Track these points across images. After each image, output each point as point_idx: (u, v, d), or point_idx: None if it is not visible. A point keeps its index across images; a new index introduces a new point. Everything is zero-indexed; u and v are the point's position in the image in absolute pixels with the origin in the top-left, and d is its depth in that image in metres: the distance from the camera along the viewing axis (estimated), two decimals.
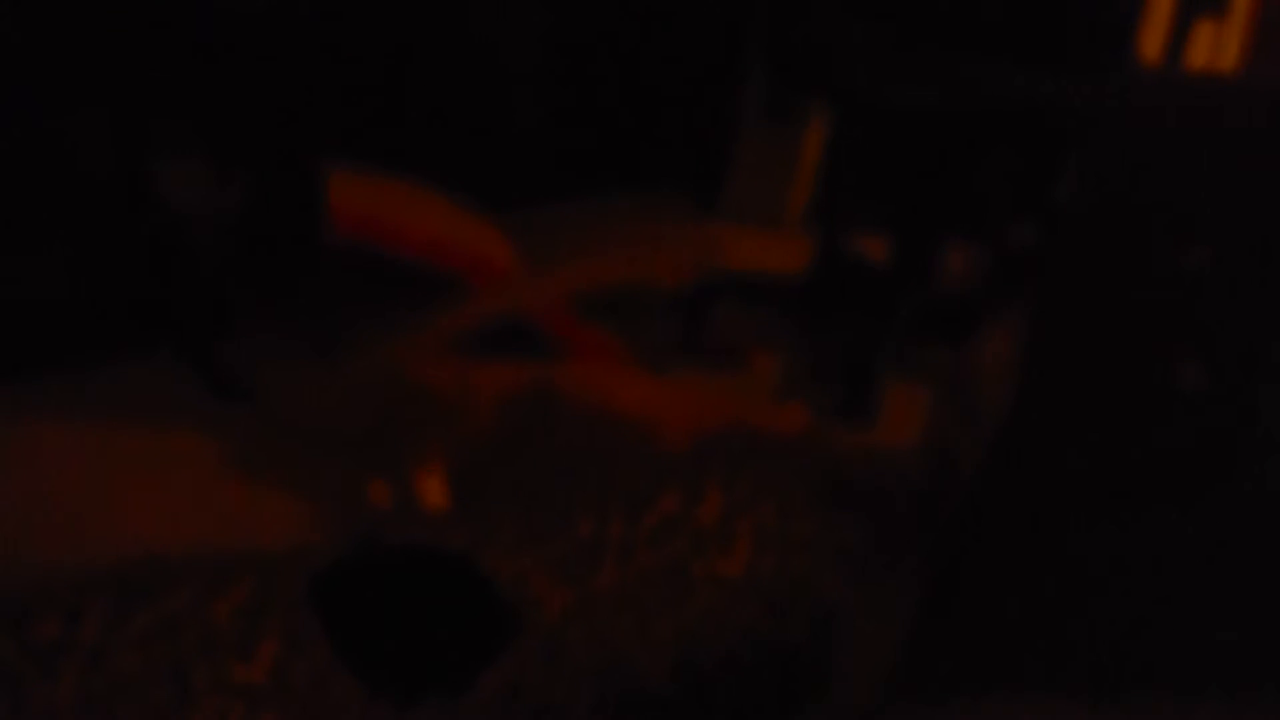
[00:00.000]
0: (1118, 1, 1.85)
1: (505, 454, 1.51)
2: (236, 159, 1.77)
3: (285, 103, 1.76)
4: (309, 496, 1.42)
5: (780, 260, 2.02)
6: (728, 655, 1.19)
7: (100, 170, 1.68)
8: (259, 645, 1.06)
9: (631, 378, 1.60)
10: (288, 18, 1.75)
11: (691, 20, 1.98)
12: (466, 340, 1.62)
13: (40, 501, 1.27)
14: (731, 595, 1.21)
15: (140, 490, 1.35)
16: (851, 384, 1.73)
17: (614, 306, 1.70)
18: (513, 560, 1.15)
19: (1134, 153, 1.08)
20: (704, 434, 1.52)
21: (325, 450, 1.50)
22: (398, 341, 1.61)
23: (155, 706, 1.02)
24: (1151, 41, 1.81)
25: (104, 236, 1.66)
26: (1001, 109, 1.71)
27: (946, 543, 1.23)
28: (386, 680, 1.07)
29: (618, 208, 1.80)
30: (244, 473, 1.43)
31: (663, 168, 1.99)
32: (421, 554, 1.14)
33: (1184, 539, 1.00)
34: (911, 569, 1.25)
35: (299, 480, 1.44)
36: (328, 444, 1.51)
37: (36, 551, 1.15)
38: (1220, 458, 1.03)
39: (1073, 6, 1.84)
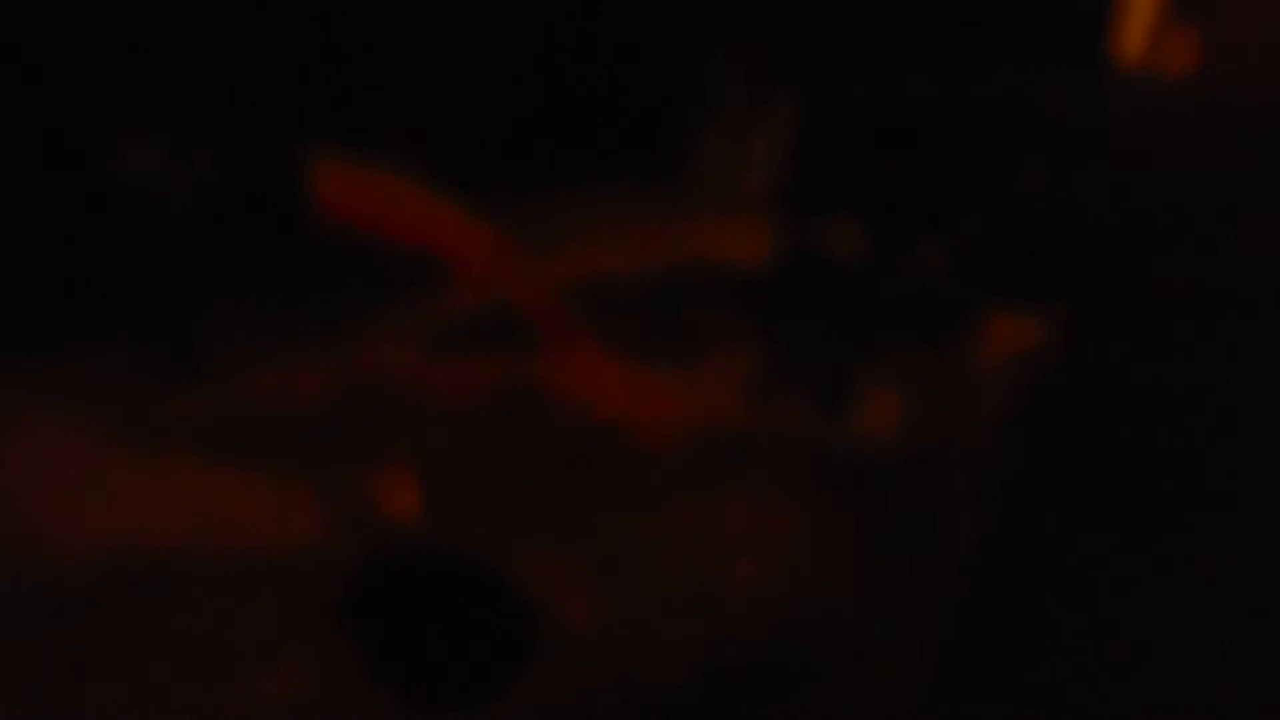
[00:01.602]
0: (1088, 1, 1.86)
1: (492, 452, 1.47)
2: (205, 135, 1.71)
3: (261, 83, 1.70)
4: (295, 495, 1.38)
5: (749, 251, 2.00)
6: (748, 661, 1.17)
7: (61, 146, 1.61)
8: (284, 656, 1.02)
9: (614, 371, 1.57)
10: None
11: (660, 6, 1.95)
12: (450, 332, 1.58)
13: (31, 498, 1.21)
14: (750, 599, 1.20)
15: (127, 489, 1.29)
16: (827, 378, 1.72)
17: (586, 298, 1.67)
18: (535, 567, 1.12)
19: (1161, 164, 1.08)
20: (689, 430, 1.50)
21: (298, 446, 1.46)
22: (375, 332, 1.57)
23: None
24: (1131, 42, 1.82)
25: (66, 215, 1.59)
26: (977, 104, 1.71)
27: (975, 549, 1.22)
28: (415, 691, 1.04)
29: (602, 198, 1.77)
30: (226, 469, 1.38)
31: (627, 156, 1.96)
32: (444, 560, 1.10)
33: (1223, 555, 1.00)
34: (926, 573, 1.25)
35: (282, 478, 1.40)
36: (299, 439, 1.46)
37: (45, 550, 1.09)
38: (1252, 473, 1.03)
39: (1042, 5, 1.84)
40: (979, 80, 1.73)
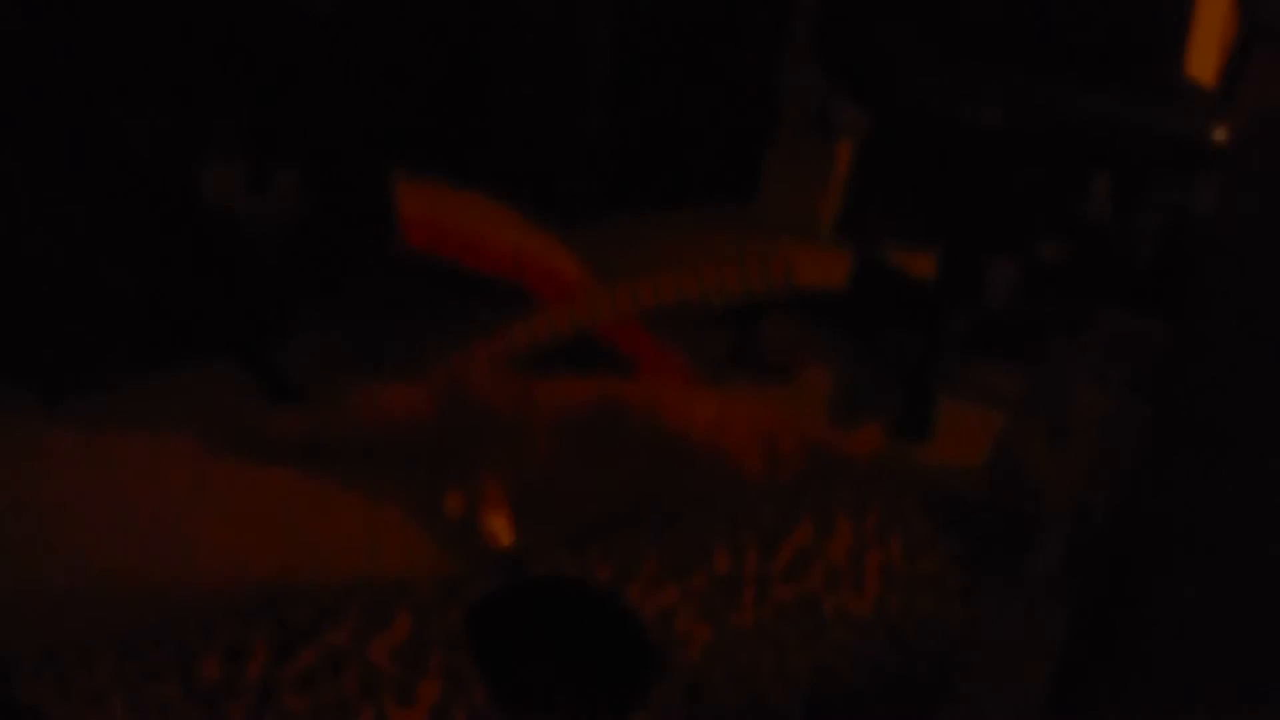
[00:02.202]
0: (1164, 25, 1.87)
1: (587, 474, 1.49)
2: (288, 161, 1.72)
3: (346, 108, 1.71)
4: (403, 517, 1.40)
5: (823, 274, 2.01)
6: (858, 691, 1.18)
7: (151, 173, 1.62)
8: (419, 685, 1.02)
9: (699, 395, 1.58)
10: (350, 26, 1.70)
11: (738, 37, 1.96)
12: (533, 355, 1.59)
13: (151, 522, 1.23)
14: (861, 631, 1.20)
15: (241, 511, 1.31)
16: (909, 399, 1.73)
17: (661, 320, 1.68)
18: (657, 595, 1.13)
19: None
20: (779, 456, 1.50)
21: (393, 469, 1.47)
22: (462, 357, 1.58)
23: None
24: (1206, 66, 1.83)
25: (159, 242, 1.60)
26: (1057, 128, 1.71)
27: (1090, 574, 1.22)
28: (539, 716, 1.05)
29: (685, 222, 1.78)
30: (335, 493, 1.40)
31: (708, 180, 1.98)
32: (568, 588, 1.11)
33: None
34: (1035, 600, 1.26)
35: (387, 500, 1.42)
36: (392, 462, 1.48)
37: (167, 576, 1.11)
38: None
39: (1121, 28, 1.85)
40: (1055, 102, 1.73)
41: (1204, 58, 1.84)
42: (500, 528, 1.42)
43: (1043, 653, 1.19)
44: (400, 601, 1.06)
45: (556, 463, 1.47)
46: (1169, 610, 1.07)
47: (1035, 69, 1.74)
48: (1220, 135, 1.66)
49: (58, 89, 1.52)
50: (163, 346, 1.60)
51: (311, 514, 1.37)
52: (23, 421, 1.42)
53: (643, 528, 1.18)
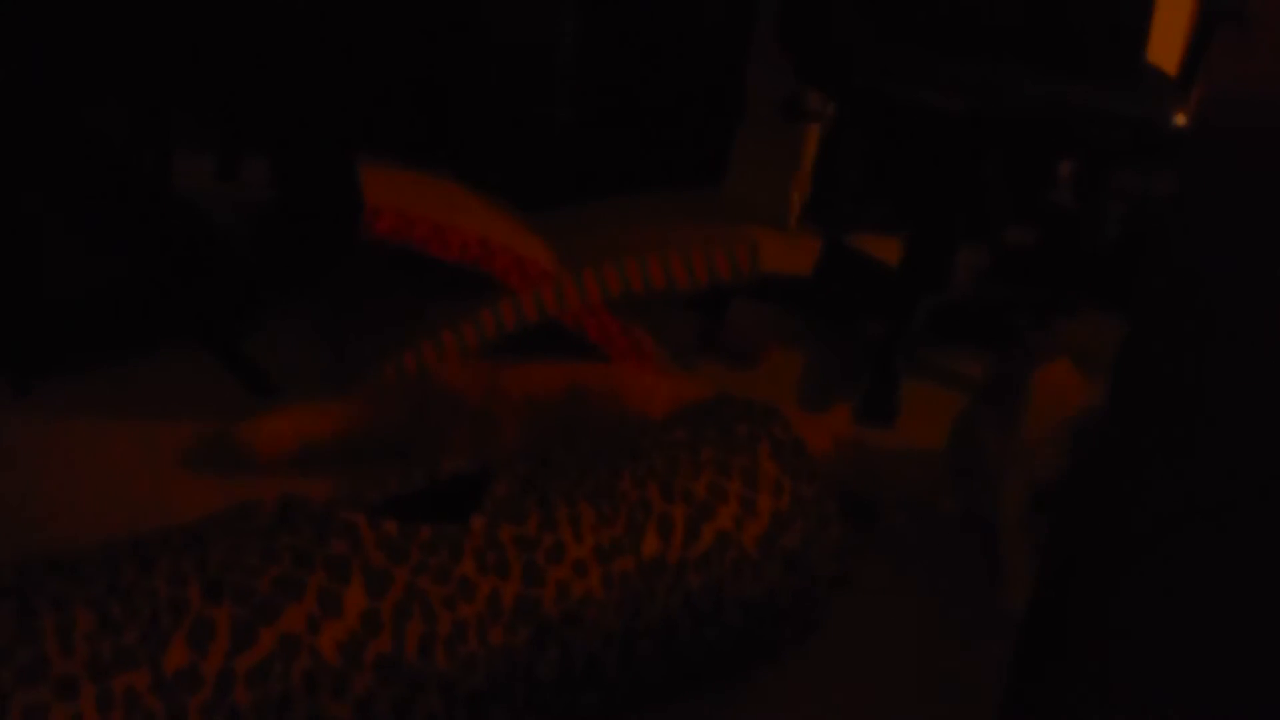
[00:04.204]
0: (1126, 10, 1.88)
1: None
2: (260, 151, 1.72)
3: (314, 96, 1.71)
4: None
5: (788, 259, 2.03)
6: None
7: (121, 161, 1.62)
8: None
9: (663, 380, 1.58)
10: (318, 14, 1.71)
11: (703, 24, 1.97)
12: (501, 342, 1.60)
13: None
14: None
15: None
16: (874, 383, 1.74)
17: (628, 305, 1.68)
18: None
19: (1239, 168, 1.09)
20: None
21: (363, 466, 1.48)
22: (429, 345, 1.59)
23: None
24: (1169, 51, 1.84)
25: (128, 230, 1.61)
26: (1020, 114, 1.72)
27: (1046, 561, 1.24)
28: None
29: (653, 208, 1.79)
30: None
31: (675, 165, 1.98)
32: None
33: None
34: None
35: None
36: (362, 459, 1.48)
37: None
38: None
39: (1084, 15, 1.86)
40: (1013, 88, 1.74)
41: (1167, 44, 1.85)
42: None
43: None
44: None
45: (522, 448, 1.48)
46: (1125, 602, 1.08)
47: (996, 56, 1.75)
48: (1181, 121, 1.67)
49: (28, 77, 1.52)
50: (133, 334, 1.60)
51: None
52: None
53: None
